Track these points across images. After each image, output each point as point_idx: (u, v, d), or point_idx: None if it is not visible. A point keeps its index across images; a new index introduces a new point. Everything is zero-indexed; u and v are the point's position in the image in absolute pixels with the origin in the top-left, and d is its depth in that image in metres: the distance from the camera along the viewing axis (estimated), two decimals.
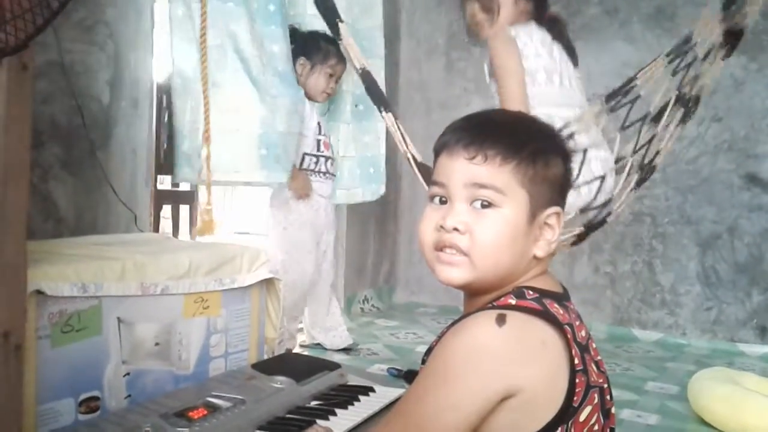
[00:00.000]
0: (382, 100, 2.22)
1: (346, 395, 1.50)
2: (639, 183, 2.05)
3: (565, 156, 0.92)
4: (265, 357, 1.78)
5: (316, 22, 2.80)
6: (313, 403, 1.45)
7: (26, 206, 1.11)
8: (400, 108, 3.59)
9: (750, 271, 3.23)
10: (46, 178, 1.96)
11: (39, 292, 1.18)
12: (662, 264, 3.35)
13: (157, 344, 1.40)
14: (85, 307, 1.27)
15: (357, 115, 3.18)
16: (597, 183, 1.95)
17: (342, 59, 2.60)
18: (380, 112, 2.21)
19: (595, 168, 1.96)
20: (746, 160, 3.22)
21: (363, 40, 3.08)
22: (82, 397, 1.27)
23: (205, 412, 1.27)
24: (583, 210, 1.99)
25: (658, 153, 2.01)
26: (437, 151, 0.92)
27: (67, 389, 1.24)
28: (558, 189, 0.90)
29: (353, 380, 1.69)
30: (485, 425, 0.80)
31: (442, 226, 0.87)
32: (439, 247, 0.88)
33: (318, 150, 2.63)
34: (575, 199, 1.94)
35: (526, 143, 0.87)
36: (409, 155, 2.09)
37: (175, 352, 1.44)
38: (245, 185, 2.53)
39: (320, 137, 2.64)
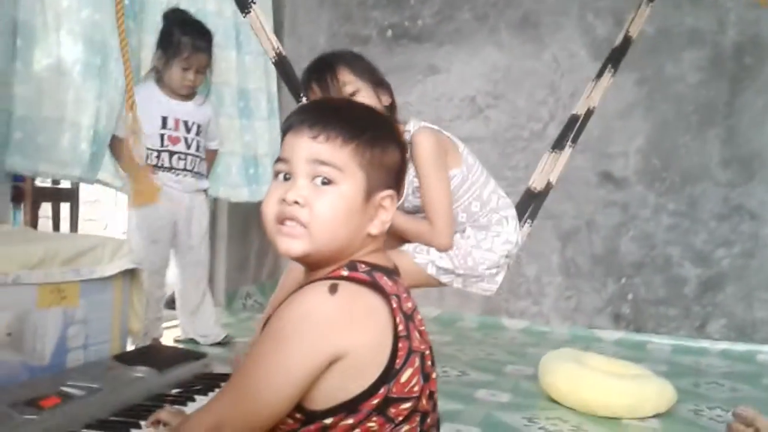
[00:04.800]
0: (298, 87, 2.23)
1: (209, 382, 1.54)
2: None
3: (401, 146, 1.02)
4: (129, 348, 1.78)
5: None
6: (174, 391, 1.48)
7: None
8: (282, 104, 3.62)
9: (605, 263, 3.51)
10: None
11: None
12: (528, 256, 3.57)
13: (9, 334, 1.38)
14: None
15: (243, 112, 3.16)
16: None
17: (198, 51, 2.50)
18: (299, 100, 2.24)
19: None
20: (600, 159, 3.49)
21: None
22: None
23: (58, 400, 1.27)
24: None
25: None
26: (284, 131, 0.99)
27: None
28: (393, 174, 0.99)
29: (220, 369, 1.72)
30: (315, 386, 0.88)
31: (284, 200, 0.94)
32: (281, 220, 0.94)
33: (162, 145, 2.52)
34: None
35: (366, 129, 0.96)
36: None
37: (30, 343, 1.43)
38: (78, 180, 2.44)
39: (165, 131, 2.52)
